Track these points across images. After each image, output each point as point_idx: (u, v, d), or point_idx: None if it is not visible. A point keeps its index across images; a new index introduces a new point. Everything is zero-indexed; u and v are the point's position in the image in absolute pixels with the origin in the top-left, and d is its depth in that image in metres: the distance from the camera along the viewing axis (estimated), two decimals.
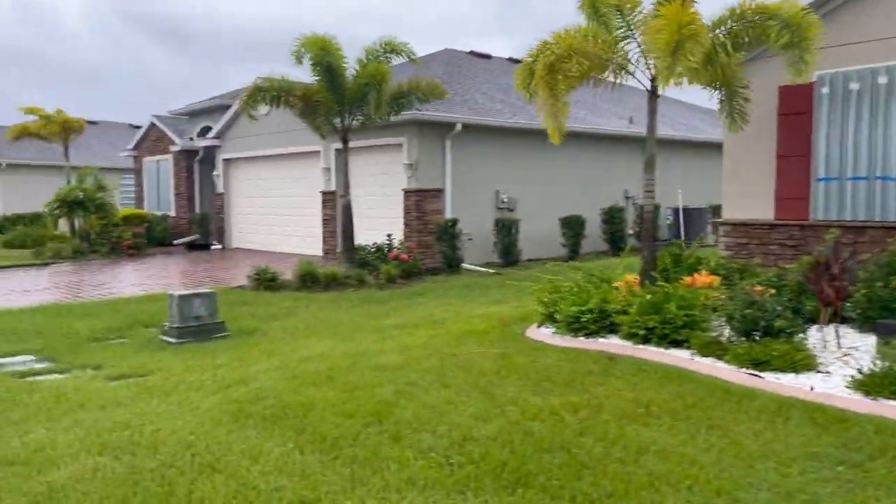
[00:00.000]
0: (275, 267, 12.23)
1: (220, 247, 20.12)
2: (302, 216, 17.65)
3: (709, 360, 6.11)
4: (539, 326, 7.85)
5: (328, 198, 16.44)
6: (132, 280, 13.91)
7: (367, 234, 14.59)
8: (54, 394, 5.72)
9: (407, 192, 14.47)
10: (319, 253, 16.84)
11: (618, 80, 8.24)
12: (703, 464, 3.97)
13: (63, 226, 20.93)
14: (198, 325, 8.04)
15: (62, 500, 3.72)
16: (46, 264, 16.92)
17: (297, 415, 4.98)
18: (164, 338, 7.98)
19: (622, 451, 4.19)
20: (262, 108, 17.87)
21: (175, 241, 21.23)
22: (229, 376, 6.17)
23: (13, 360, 7.15)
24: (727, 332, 6.52)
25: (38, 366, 6.93)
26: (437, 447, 4.31)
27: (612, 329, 7.19)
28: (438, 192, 14.54)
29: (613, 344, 6.86)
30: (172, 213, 22.02)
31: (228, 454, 4.29)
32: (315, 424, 4.76)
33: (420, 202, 14.30)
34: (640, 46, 7.76)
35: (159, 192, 22.80)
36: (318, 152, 16.68)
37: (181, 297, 8.01)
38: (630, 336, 6.88)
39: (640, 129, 18.95)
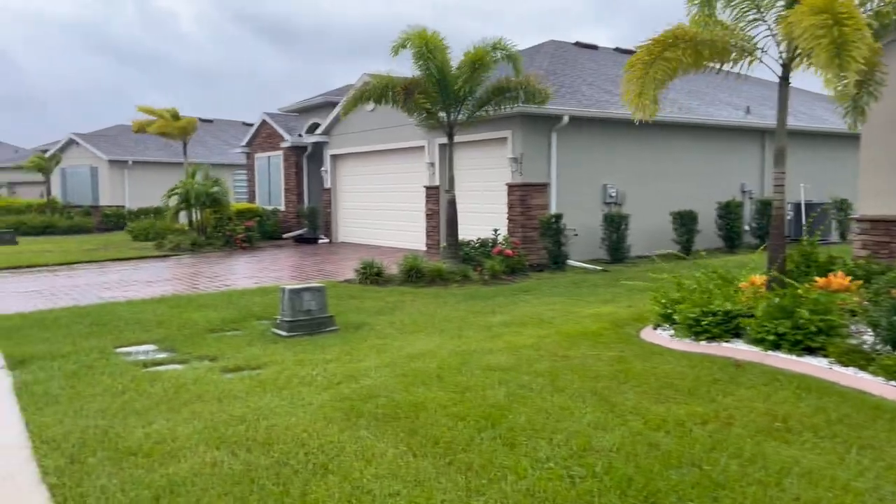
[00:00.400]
0: (380, 261, 12.30)
1: (327, 241, 20.57)
2: (405, 211, 17.75)
3: (850, 371, 5.58)
4: (655, 328, 7.46)
5: (431, 192, 16.43)
6: (245, 272, 14.38)
7: (470, 229, 14.47)
8: (174, 385, 5.87)
9: (511, 187, 14.23)
10: (423, 248, 16.87)
11: (737, 67, 7.70)
12: (858, 490, 3.56)
13: (182, 219, 22.01)
14: (308, 319, 8.14)
15: (182, 495, 3.75)
16: (167, 256, 17.80)
17: (409, 415, 4.87)
18: (276, 331, 8.12)
19: (761, 470, 3.83)
20: (368, 105, 18.11)
21: (284, 235, 21.88)
22: (339, 372, 6.17)
23: (137, 349, 7.45)
24: (869, 339, 5.95)
25: (160, 356, 7.18)
26: (556, 457, 4.09)
27: (736, 333, 6.72)
28: (543, 187, 14.21)
29: (739, 349, 6.40)
30: (282, 208, 22.71)
31: (341, 454, 4.23)
32: (427, 426, 4.64)
33: (524, 197, 14.03)
34: (771, 31, 7.18)
35: (270, 187, 23.57)
36: (422, 147, 16.70)
37: (292, 290, 8.13)
38: (757, 341, 6.39)
39: (758, 119, 17.89)
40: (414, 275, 11.74)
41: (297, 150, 21.84)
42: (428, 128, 13.45)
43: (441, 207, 16.18)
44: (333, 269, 14.48)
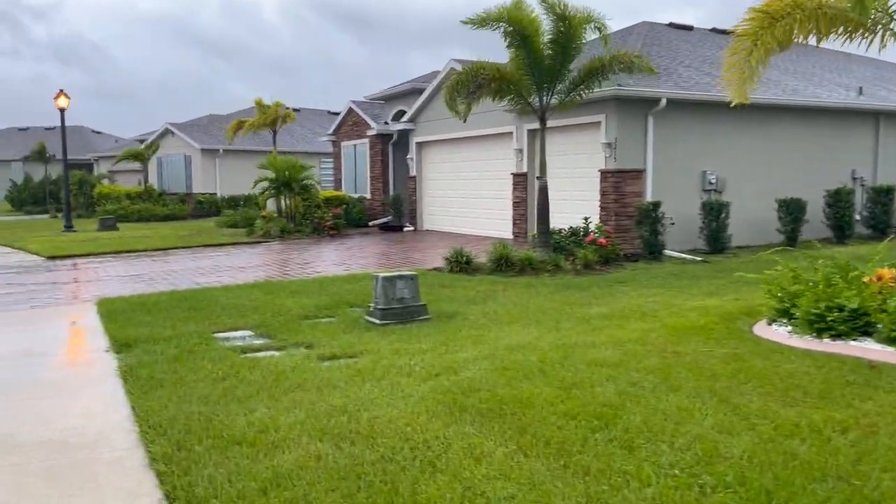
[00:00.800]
0: (469, 250, 12.09)
1: (412, 228, 20.55)
2: (491, 199, 17.49)
3: None
4: (770, 324, 6.94)
5: (519, 180, 16.10)
6: (334, 259, 14.47)
7: (559, 217, 14.05)
8: (273, 372, 5.83)
9: (604, 173, 13.74)
10: (509, 236, 16.58)
11: (861, 44, 7.05)
12: None
13: (271, 206, 22.47)
14: (401, 308, 8.01)
15: (288, 489, 3.64)
16: (257, 243, 18.17)
17: (515, 412, 4.63)
18: (369, 318, 8.03)
19: None
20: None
21: (370, 223, 22.01)
22: (437, 363, 5.99)
23: (235, 335, 7.50)
24: None
25: (257, 342, 7.20)
26: (680, 463, 3.76)
27: (865, 331, 6.16)
28: (638, 173, 13.66)
29: (870, 349, 5.85)
30: (368, 196, 22.84)
31: (448, 451, 4.03)
32: (536, 424, 4.39)
33: (618, 184, 13.52)
34: None
35: (356, 175, 23.75)
36: (510, 133, 16.37)
37: (385, 278, 8.01)
38: (891, 340, 5.83)
39: (872, 100, 16.69)
40: (503, 264, 11.48)
41: (382, 138, 21.89)
42: (518, 113, 13.12)
43: (529, 195, 15.84)
44: (420, 257, 14.38)
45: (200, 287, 10.69)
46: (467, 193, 18.53)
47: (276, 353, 6.63)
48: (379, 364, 6.02)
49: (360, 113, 22.86)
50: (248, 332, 7.63)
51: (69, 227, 22.40)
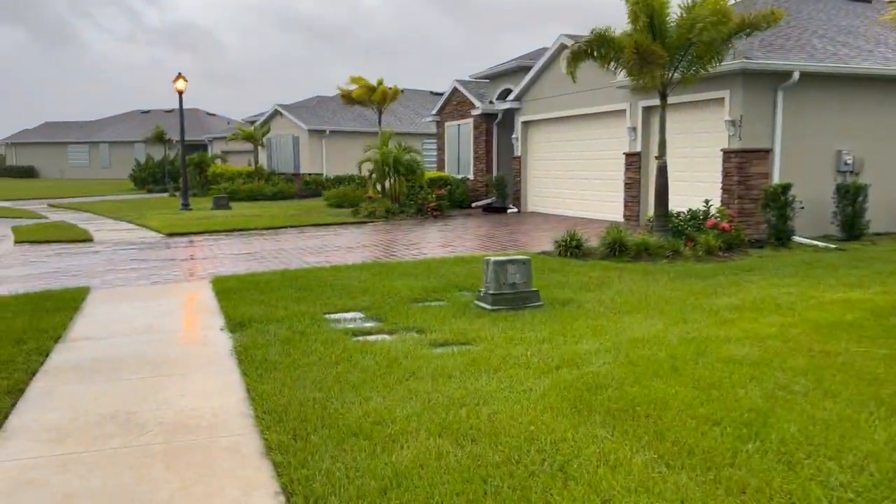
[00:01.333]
0: (579, 233, 11.59)
1: (515, 210, 20.15)
2: (601, 180, 16.82)
3: None
4: None
5: (632, 160, 15.36)
6: (439, 241, 14.30)
7: (675, 199, 13.24)
8: (386, 358, 5.65)
9: (727, 153, 12.86)
10: (620, 219, 15.90)
11: None
12: None
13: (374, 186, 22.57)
14: (512, 293, 7.69)
15: (409, 489, 3.41)
16: (363, 223, 18.28)
17: (649, 413, 4.23)
18: (479, 303, 7.76)
19: None
20: (562, 67, 17.30)
21: (473, 204, 21.76)
22: (556, 354, 5.64)
23: (346, 317, 7.41)
24: None
25: (368, 324, 7.08)
26: (855, 486, 3.27)
27: None
28: (765, 153, 12.69)
29: None
30: (471, 177, 22.59)
31: (579, 456, 3.69)
32: (675, 429, 3.97)
33: (742, 164, 12.61)
34: None
35: (459, 156, 23.53)
36: (622, 111, 15.64)
37: (496, 262, 7.70)
38: None
39: None
40: (617, 248, 10.93)
41: (487, 118, 21.52)
42: (638, 88, 12.41)
43: (643, 176, 15.11)
44: (527, 240, 13.99)
45: (310, 267, 10.74)
46: (574, 174, 17.92)
47: (388, 338, 6.46)
48: (494, 353, 5.73)
49: (465, 92, 22.56)
50: (358, 315, 7.52)
51: (186, 206, 23.36)
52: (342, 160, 31.90)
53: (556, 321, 6.93)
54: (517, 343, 6.07)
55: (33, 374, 5.51)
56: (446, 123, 24.33)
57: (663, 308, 7.45)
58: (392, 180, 20.16)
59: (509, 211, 20.15)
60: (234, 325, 7.02)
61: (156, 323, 7.33)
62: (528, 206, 20.04)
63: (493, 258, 7.82)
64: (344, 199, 22.96)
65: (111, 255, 13.05)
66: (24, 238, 15.72)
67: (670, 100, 13.42)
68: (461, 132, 23.29)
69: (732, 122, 12.63)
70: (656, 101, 14.06)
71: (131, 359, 5.96)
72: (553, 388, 4.79)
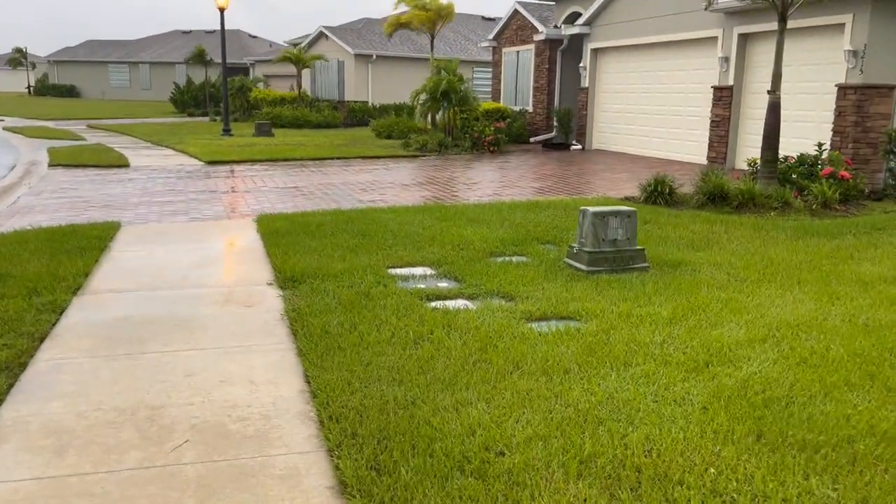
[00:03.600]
0: (671, 177, 10.14)
1: (579, 147, 18.58)
2: (682, 116, 15.15)
3: None
4: None
5: (722, 94, 13.63)
6: (503, 181, 12.94)
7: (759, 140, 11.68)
8: (476, 337, 4.47)
9: (843, 89, 11.13)
10: (702, 161, 14.31)
11: None
12: None
13: (418, 116, 21.15)
14: (613, 252, 6.40)
15: None
16: (414, 157, 16.96)
17: (878, 455, 2.98)
18: (571, 262, 6.49)
19: None
20: None
21: (532, 139, 20.22)
22: (696, 343, 4.39)
23: (414, 273, 6.22)
24: None
25: (442, 284, 5.88)
26: None
27: None
28: (889, 90, 10.94)
29: None
30: (530, 109, 20.94)
31: None
32: None
33: (861, 102, 10.90)
34: None
35: (517, 86, 21.82)
36: (713, 39, 13.84)
37: (595, 214, 6.39)
38: None
39: None
40: (716, 197, 9.49)
41: (551, 44, 19.71)
42: (739, 11, 10.65)
43: (733, 113, 13.42)
44: (601, 182, 12.55)
45: (364, 206, 9.54)
46: (650, 109, 16.22)
47: (470, 305, 5.27)
48: (613, 337, 4.50)
49: (527, 15, 20.68)
50: (428, 270, 6.33)
51: (227, 131, 22.24)
52: (388, 88, 30.34)
53: (674, 291, 5.65)
54: (637, 322, 4.82)
55: (42, 339, 4.46)
56: (503, 50, 22.52)
57: (799, 276, 6.10)
58: (445, 112, 18.67)
59: (573, 148, 18.59)
60: (285, 279, 5.89)
61: (192, 273, 6.24)
62: (594, 142, 18.43)
63: (590, 209, 6.50)
64: (393, 130, 21.59)
65: (146, 183, 12.02)
66: (59, 161, 14.79)
67: (771, 26, 11.66)
68: (520, 60, 21.51)
69: (854, 53, 10.86)
70: (758, 27, 12.34)
71: (160, 323, 4.88)
72: (714, 399, 3.55)
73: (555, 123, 19.84)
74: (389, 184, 12.23)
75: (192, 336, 4.63)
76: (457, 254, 6.87)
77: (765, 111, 11.69)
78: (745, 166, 13.11)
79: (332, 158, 16.18)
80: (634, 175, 13.13)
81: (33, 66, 66.12)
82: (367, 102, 29.85)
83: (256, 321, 4.97)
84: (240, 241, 7.61)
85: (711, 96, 13.86)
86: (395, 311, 4.99)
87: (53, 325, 4.74)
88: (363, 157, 16.48)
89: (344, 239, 7.37)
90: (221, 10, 22.17)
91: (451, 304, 5.30)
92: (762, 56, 12.77)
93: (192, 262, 6.68)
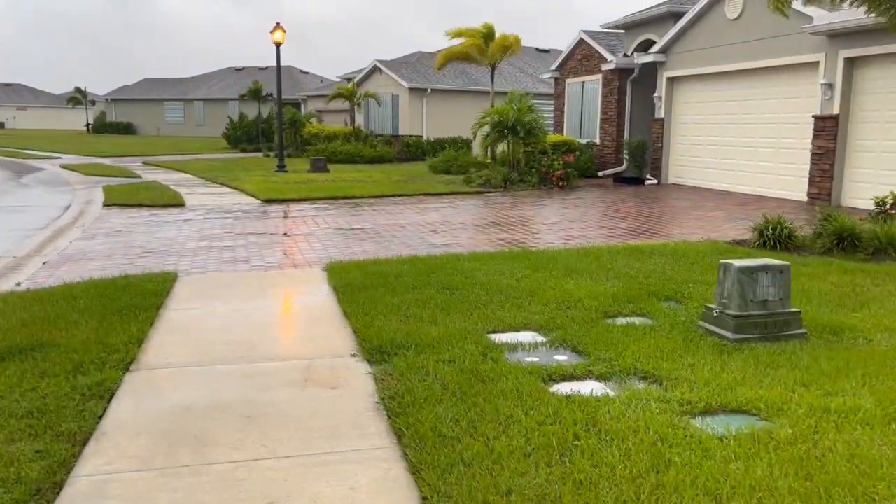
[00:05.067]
0: (785, 218, 8.94)
1: (654, 181, 17.40)
2: (774, 148, 13.90)
3: None
4: None
5: (826, 125, 12.37)
6: (584, 220, 11.86)
7: (874, 174, 10.47)
8: (638, 447, 3.39)
9: None
10: (801, 197, 13.03)
11: None
12: None
13: (475, 150, 20.27)
14: (764, 316, 5.26)
15: None
16: (479, 193, 16.03)
17: None
18: (709, 326, 5.38)
19: None
20: (731, 10, 14.35)
21: (600, 173, 19.12)
22: None
23: (522, 339, 5.19)
24: None
25: (561, 357, 4.83)
26: None
27: None
28: None
29: None
30: (597, 141, 19.88)
31: None
32: None
33: None
34: None
35: (582, 118, 20.82)
36: (813, 64, 12.64)
37: (741, 270, 5.28)
38: None
39: None
40: (846, 241, 8.26)
41: (620, 73, 18.69)
42: (843, 34, 9.49)
43: (839, 145, 12.14)
44: (695, 223, 11.37)
45: (442, 253, 8.57)
46: (735, 141, 15.01)
47: (608, 391, 4.20)
48: (821, 445, 3.38)
49: (594, 44, 19.74)
50: (538, 336, 5.29)
51: (282, 167, 21.70)
52: (443, 122, 29.67)
53: (859, 370, 4.48)
54: (842, 421, 3.69)
55: (84, 442, 3.54)
56: (567, 81, 21.59)
57: None
58: (509, 144, 17.73)
59: (647, 182, 17.43)
60: (371, 349, 4.92)
61: (260, 339, 5.31)
62: (670, 176, 17.24)
63: (734, 263, 5.39)
64: (451, 165, 20.76)
65: (203, 224, 11.30)
66: (114, 200, 14.28)
67: (885, 49, 10.48)
68: (586, 90, 20.54)
69: None
70: (868, 50, 11.18)
71: (228, 412, 3.93)
72: None
73: (625, 156, 18.74)
74: (460, 224, 11.28)
75: (267, 436, 3.65)
76: (565, 314, 5.82)
77: (877, 142, 10.49)
78: (854, 204, 11.82)
79: (392, 196, 15.36)
80: (729, 214, 11.93)
81: (93, 103, 67.92)
82: (421, 137, 29.19)
83: (346, 411, 3.98)
84: (311, 295, 6.68)
85: (812, 126, 12.60)
86: (518, 401, 3.95)
87: (100, 417, 3.83)
88: (425, 194, 15.61)
89: (429, 294, 6.38)
90: (277, 45, 21.81)
91: (582, 388, 4.23)
92: (873, 82, 11.53)
93: (260, 323, 5.76)
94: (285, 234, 10.49)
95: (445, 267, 7.53)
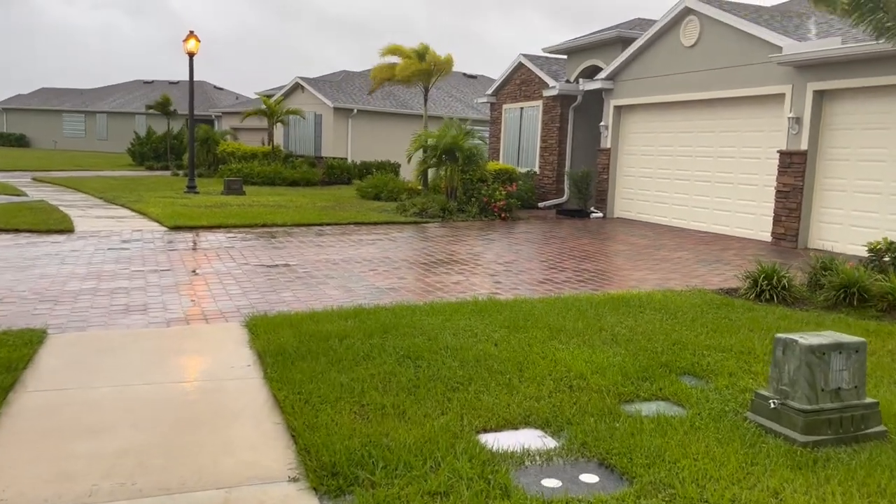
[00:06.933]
0: (780, 266, 7.90)
1: (600, 215, 16.41)
2: (733, 184, 13.12)
3: None
4: None
5: (793, 160, 11.60)
6: (541, 259, 10.58)
7: (868, 218, 9.73)
8: None
9: None
10: (763, 237, 12.24)
11: None
12: None
13: (404, 174, 18.94)
14: (838, 409, 4.03)
15: None
16: (416, 223, 14.59)
17: None
18: (764, 422, 4.11)
19: None
20: (687, 38, 13.59)
21: (540, 204, 18.04)
22: None
23: (527, 444, 3.75)
24: None
25: (590, 479, 3.43)
26: None
27: None
28: None
29: None
30: (537, 170, 18.84)
31: None
32: None
33: None
34: None
35: (520, 145, 19.78)
36: (778, 96, 11.91)
37: (811, 349, 4.03)
38: None
39: None
40: (852, 295, 7.26)
41: (562, 100, 17.75)
42: (809, 66, 8.68)
43: (806, 183, 11.39)
44: (665, 265, 10.28)
45: (391, 302, 7.06)
46: (689, 175, 14.20)
47: None
48: None
49: (534, 69, 18.78)
50: (547, 438, 3.89)
51: (192, 188, 19.63)
52: (369, 144, 28.19)
53: None
54: None
55: None
56: (504, 106, 20.56)
57: None
58: (446, 171, 16.40)
59: (593, 215, 16.42)
60: (321, 470, 3.37)
61: (153, 448, 3.64)
62: (616, 209, 16.31)
63: (799, 339, 4.13)
64: (380, 190, 19.28)
65: (92, 256, 9.38)
66: None
67: (839, 83, 9.82)
68: (525, 117, 19.53)
69: None
70: (840, 83, 10.47)
71: None
72: None
73: (566, 187, 17.74)
74: (403, 261, 9.79)
75: None
76: (571, 399, 4.43)
77: (848, 181, 9.76)
78: (822, 245, 11.08)
79: (320, 224, 13.72)
80: (696, 255, 10.94)
81: None
82: (345, 159, 27.55)
83: None
84: (228, 368, 5.02)
85: (777, 162, 11.84)
86: None
87: None
88: (357, 223, 14.04)
89: (388, 367, 4.87)
90: (191, 55, 19.84)
91: None
92: (845, 117, 10.85)
93: (154, 418, 4.09)
94: (194, 271, 8.72)
95: (401, 324, 6.01)
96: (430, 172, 17.23)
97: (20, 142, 54.69)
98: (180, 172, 27.32)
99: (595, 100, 16.81)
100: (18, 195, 17.80)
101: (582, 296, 7.51)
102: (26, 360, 4.90)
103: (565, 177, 17.74)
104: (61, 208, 14.81)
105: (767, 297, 7.53)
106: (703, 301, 7.39)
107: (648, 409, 4.40)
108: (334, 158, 27.19)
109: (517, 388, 4.61)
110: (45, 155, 42.83)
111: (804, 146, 11.36)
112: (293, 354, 5.09)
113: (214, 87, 58.60)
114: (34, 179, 23.73)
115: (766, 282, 7.57)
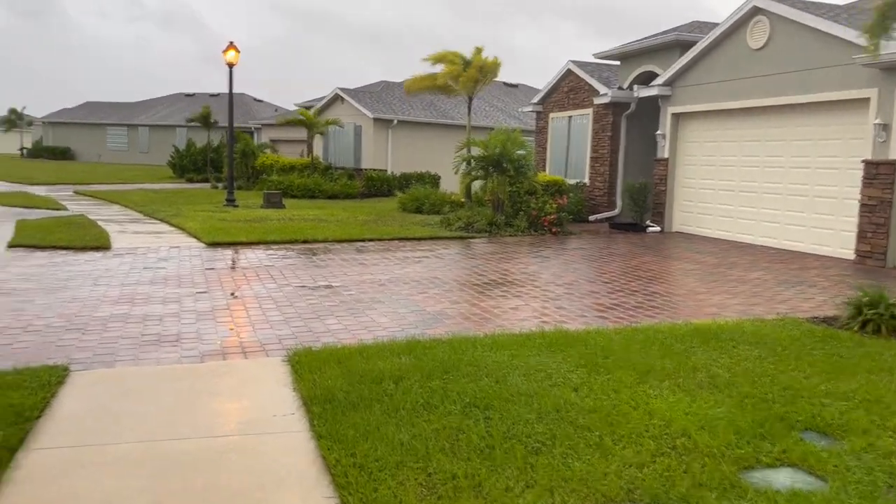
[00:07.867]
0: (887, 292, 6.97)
1: (657, 229, 15.49)
2: (808, 196, 12.13)
3: None
4: None
5: (881, 171, 10.59)
6: (604, 280, 9.75)
7: None
8: None
9: None
10: (845, 254, 11.23)
11: None
12: None
13: (444, 185, 18.25)
14: None
15: None
16: (462, 238, 13.87)
17: None
18: None
19: None
20: (755, 40, 12.66)
21: (591, 217, 17.18)
22: None
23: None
24: None
25: None
26: None
27: None
28: None
29: None
30: (587, 182, 18.00)
31: None
32: None
33: None
34: None
35: (568, 156, 18.96)
36: (861, 101, 10.93)
37: None
38: None
39: None
40: None
41: (614, 108, 16.91)
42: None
43: None
44: (743, 287, 9.36)
45: (446, 333, 6.33)
46: (758, 186, 13.22)
47: None
48: None
49: (584, 76, 17.97)
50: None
51: (231, 202, 19.24)
52: (409, 156, 27.63)
53: None
54: None
55: None
56: (551, 115, 19.76)
57: None
58: (493, 182, 15.66)
59: (650, 230, 15.51)
60: None
61: None
62: (674, 223, 15.38)
63: None
64: (422, 203, 18.64)
65: (127, 277, 8.85)
66: (23, 240, 11.68)
67: None
68: (573, 126, 18.71)
69: None
70: None
71: None
72: None
73: (618, 200, 16.86)
74: (454, 281, 9.07)
75: None
76: (679, 465, 3.65)
77: None
78: None
79: (362, 240, 13.08)
80: (775, 275, 9.99)
81: (29, 124, 63.91)
82: (385, 171, 27.00)
83: None
84: (268, 417, 4.34)
85: (862, 173, 10.84)
86: None
87: None
88: (400, 239, 13.38)
89: (454, 420, 4.14)
90: (230, 66, 19.49)
91: None
92: None
93: (182, 488, 3.41)
94: (232, 294, 8.11)
95: (462, 362, 5.28)
96: (476, 184, 16.54)
97: (65, 155, 55.59)
98: (220, 185, 27.08)
99: (649, 107, 15.94)
100: (58, 209, 17.58)
101: (662, 326, 6.69)
102: (42, 406, 4.29)
103: (619, 188, 16.86)
104: (99, 223, 14.45)
105: (875, 327, 6.62)
106: (801, 333, 6.50)
107: (777, 480, 3.59)
108: (374, 170, 26.67)
109: (611, 451, 3.83)
110: (89, 168, 43.29)
111: (894, 155, 10.35)
112: (343, 402, 4.39)
113: (254, 98, 58.89)
114: (76, 193, 23.66)
115: (871, 310, 6.65)
